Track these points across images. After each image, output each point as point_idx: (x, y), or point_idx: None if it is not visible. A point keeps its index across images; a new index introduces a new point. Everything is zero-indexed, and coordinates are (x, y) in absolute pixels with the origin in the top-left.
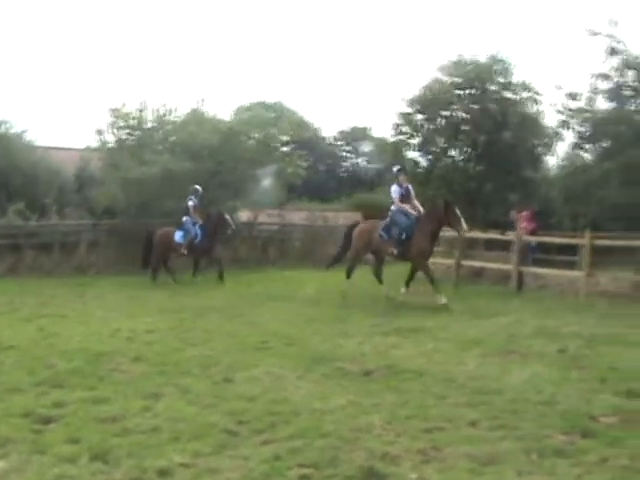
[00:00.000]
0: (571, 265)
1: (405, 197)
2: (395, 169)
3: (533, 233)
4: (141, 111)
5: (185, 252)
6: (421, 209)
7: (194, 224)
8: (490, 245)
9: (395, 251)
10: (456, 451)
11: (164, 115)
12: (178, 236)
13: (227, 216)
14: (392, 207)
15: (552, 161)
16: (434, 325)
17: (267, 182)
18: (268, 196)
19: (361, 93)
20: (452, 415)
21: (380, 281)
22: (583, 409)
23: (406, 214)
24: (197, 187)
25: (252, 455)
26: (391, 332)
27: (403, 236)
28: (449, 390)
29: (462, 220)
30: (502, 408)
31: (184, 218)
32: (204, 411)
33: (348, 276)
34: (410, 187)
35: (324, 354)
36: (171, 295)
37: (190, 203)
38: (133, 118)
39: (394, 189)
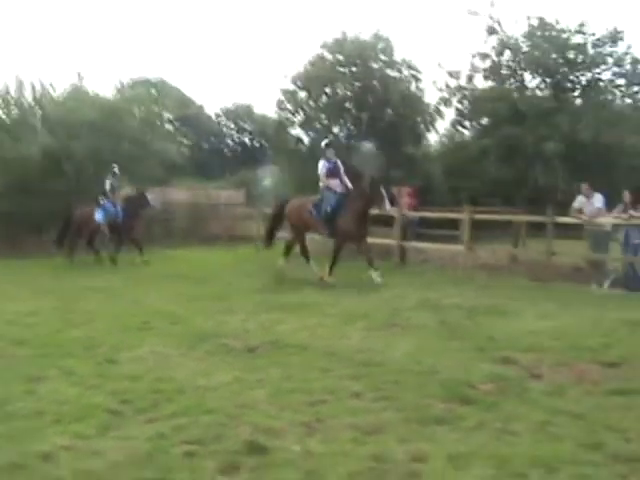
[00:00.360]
0: (452, 239)
1: (333, 173)
2: (323, 143)
3: (415, 209)
4: (19, 89)
5: (107, 231)
6: (350, 185)
7: (114, 205)
8: (373, 221)
9: (325, 231)
10: (339, 422)
11: (42, 92)
12: (98, 216)
13: (148, 195)
14: (320, 183)
15: (433, 138)
16: (318, 300)
17: (150, 160)
18: (151, 175)
19: (245, 70)
20: (335, 388)
21: (286, 254)
22: (462, 378)
23: (333, 191)
24: (115, 168)
25: (136, 434)
26: (276, 308)
27: (330, 213)
28: (333, 363)
29: (386, 199)
30: (384, 379)
31: (102, 200)
32: (88, 392)
33: (286, 253)
34: (339, 162)
35: (208, 331)
36: (53, 277)
37: (108, 184)
38: (10, 96)
39: (321, 164)
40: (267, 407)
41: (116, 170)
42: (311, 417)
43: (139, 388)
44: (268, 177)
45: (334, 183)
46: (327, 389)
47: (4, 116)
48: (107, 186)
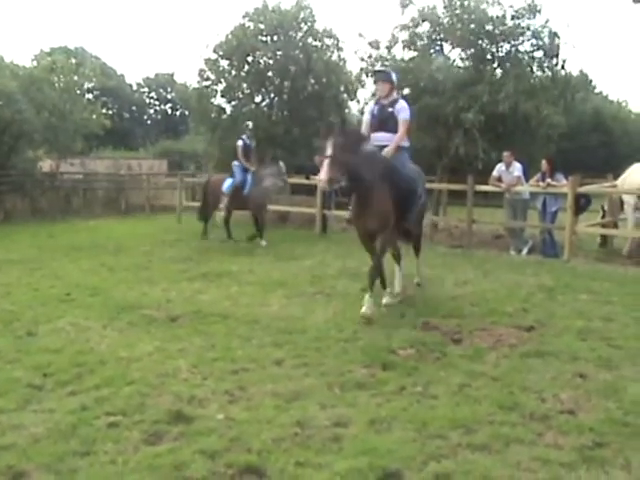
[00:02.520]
0: None
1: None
2: (245, 125)
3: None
4: None
5: (225, 203)
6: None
7: (244, 170)
8: (295, 189)
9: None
10: (262, 390)
11: None
12: (226, 185)
13: (282, 164)
14: (234, 162)
15: (355, 107)
16: (239, 269)
17: (70, 131)
18: (71, 145)
19: (167, 39)
20: (257, 355)
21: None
22: (383, 344)
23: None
24: (249, 124)
25: (58, 407)
26: (197, 277)
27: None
28: (254, 332)
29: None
30: (306, 346)
31: (233, 162)
32: (7, 366)
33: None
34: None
35: (129, 302)
36: None
37: (239, 143)
38: None
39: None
40: (190, 376)
41: (250, 126)
42: (233, 385)
43: (60, 361)
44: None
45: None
46: (249, 357)
47: None
48: (239, 148)
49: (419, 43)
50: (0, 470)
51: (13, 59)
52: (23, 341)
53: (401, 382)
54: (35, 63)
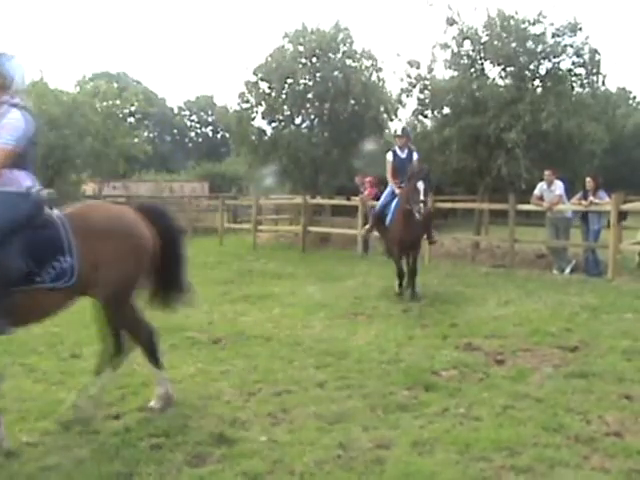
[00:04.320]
0: None
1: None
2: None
3: (376, 198)
4: None
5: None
6: None
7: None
8: (337, 211)
9: None
10: (304, 412)
11: None
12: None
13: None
14: None
15: (395, 127)
16: (281, 291)
17: (113, 154)
18: (114, 169)
19: (207, 62)
20: (300, 378)
21: None
22: (425, 365)
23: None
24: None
25: (102, 429)
26: (239, 300)
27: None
28: (296, 354)
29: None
30: (348, 368)
31: None
32: (52, 388)
33: None
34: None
35: (172, 325)
36: None
37: (389, 157)
38: None
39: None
40: (232, 398)
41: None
42: (276, 407)
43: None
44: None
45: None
46: (291, 379)
47: None
48: (388, 164)
49: (460, 62)
50: None
51: (57, 85)
52: (67, 363)
53: (444, 404)
54: (78, 89)
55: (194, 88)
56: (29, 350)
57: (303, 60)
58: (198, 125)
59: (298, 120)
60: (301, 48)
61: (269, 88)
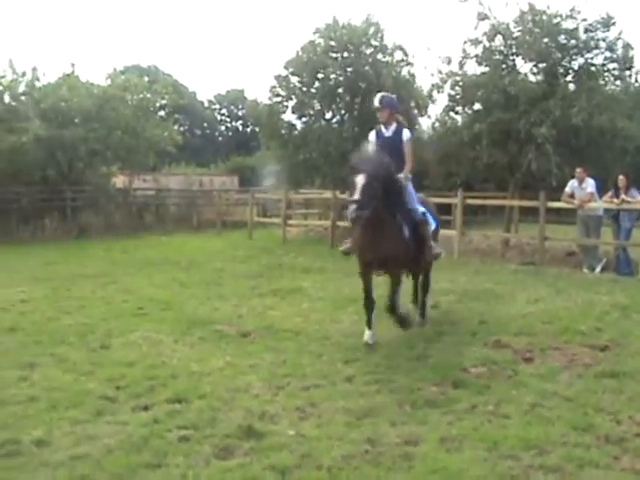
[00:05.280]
0: (445, 224)
1: None
2: None
3: None
4: (13, 77)
5: None
6: None
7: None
8: None
9: None
10: (332, 406)
11: (34, 80)
12: None
13: None
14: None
15: (426, 123)
16: (310, 285)
17: (143, 147)
18: (143, 161)
19: (237, 56)
20: (328, 372)
21: None
22: (454, 361)
23: None
24: None
25: (130, 420)
26: (268, 294)
27: None
28: (325, 348)
29: None
30: (377, 363)
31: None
32: (81, 378)
33: None
34: None
35: (201, 317)
36: (45, 264)
37: None
38: (3, 83)
39: None
40: (261, 392)
41: None
42: (304, 402)
43: (133, 374)
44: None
45: None
46: (320, 373)
47: None
48: None
49: (492, 58)
50: (75, 479)
51: (88, 78)
52: (97, 354)
53: (472, 400)
54: (109, 82)
55: (224, 82)
56: (59, 340)
57: (334, 54)
58: (228, 119)
59: (328, 115)
60: (332, 42)
61: (300, 82)
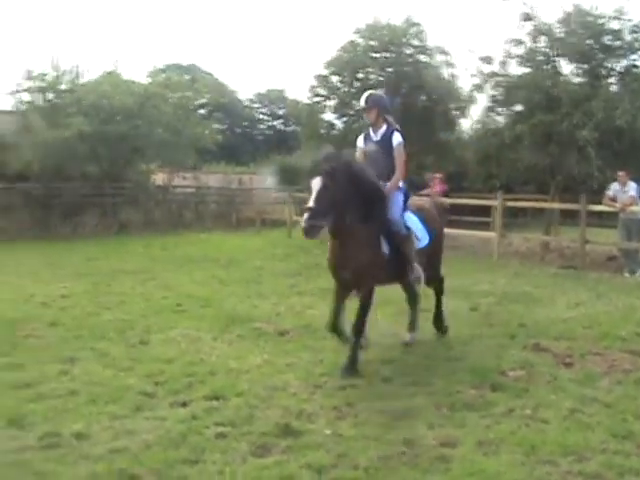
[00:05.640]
0: (484, 226)
1: None
2: None
3: (445, 194)
4: (57, 74)
5: None
6: None
7: None
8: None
9: None
10: (370, 407)
11: (77, 77)
12: None
13: None
14: None
15: (466, 124)
16: None
17: (183, 145)
18: (183, 159)
19: (278, 55)
20: (366, 372)
21: None
22: (492, 364)
23: None
24: None
25: (169, 416)
26: (306, 292)
27: None
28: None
29: None
30: (415, 365)
31: None
32: (121, 374)
33: None
34: None
35: (240, 315)
36: (85, 260)
37: None
38: (46, 80)
39: None
40: (298, 390)
41: None
42: (341, 401)
43: (171, 370)
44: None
45: None
46: (357, 373)
47: (41, 101)
48: None
49: (535, 58)
50: (113, 472)
51: (129, 76)
52: (136, 349)
53: (510, 404)
54: (150, 80)
55: (265, 81)
56: (99, 335)
57: (374, 54)
58: (270, 118)
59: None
60: (373, 42)
61: (340, 82)
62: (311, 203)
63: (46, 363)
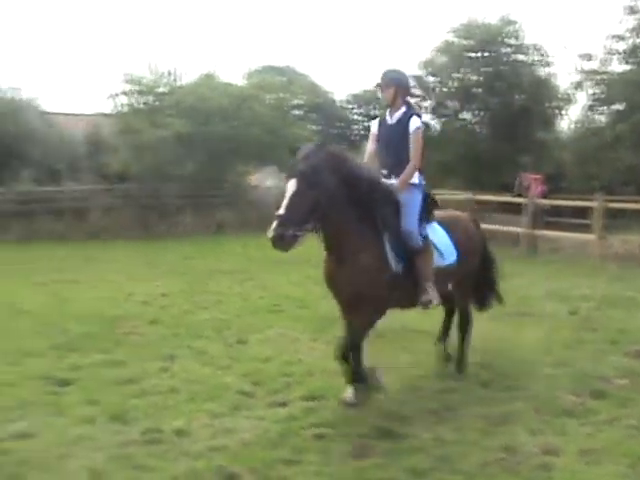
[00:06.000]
0: (583, 228)
1: None
2: None
3: (544, 196)
4: (154, 76)
5: None
6: None
7: None
8: (500, 207)
9: None
10: (468, 411)
11: (175, 79)
12: None
13: None
14: None
15: (565, 123)
16: None
17: (280, 146)
18: (281, 160)
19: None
20: (464, 376)
21: None
22: (593, 371)
23: None
24: None
25: (267, 415)
26: None
27: None
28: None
29: None
30: (513, 369)
31: None
32: (219, 372)
33: None
34: None
35: (336, 316)
36: (182, 259)
37: None
38: (145, 83)
39: None
40: (396, 393)
41: None
42: (440, 405)
43: (269, 370)
44: None
45: None
46: (456, 377)
47: (140, 103)
48: None
49: (638, 55)
50: (212, 470)
51: (226, 78)
52: (234, 349)
53: (613, 413)
54: (246, 81)
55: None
56: (197, 334)
57: (470, 54)
58: (365, 119)
59: (464, 115)
60: (468, 42)
61: (436, 83)
62: (281, 210)
63: (147, 360)
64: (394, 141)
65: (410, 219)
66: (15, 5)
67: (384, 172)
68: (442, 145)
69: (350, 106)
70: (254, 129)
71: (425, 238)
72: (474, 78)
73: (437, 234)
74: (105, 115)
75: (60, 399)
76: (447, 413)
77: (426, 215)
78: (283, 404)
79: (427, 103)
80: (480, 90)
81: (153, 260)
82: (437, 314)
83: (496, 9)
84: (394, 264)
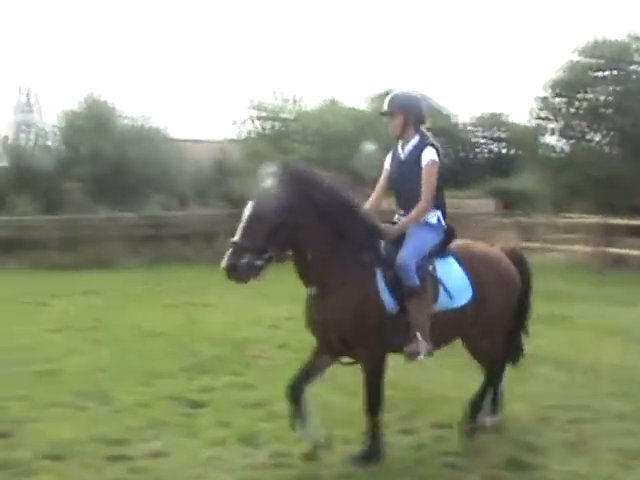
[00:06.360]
0: None
1: None
2: None
3: None
4: (279, 102)
5: None
6: None
7: None
8: (633, 231)
9: None
10: (603, 444)
11: (300, 105)
12: None
13: None
14: None
15: None
16: (574, 313)
17: None
18: None
19: (494, 78)
20: (597, 407)
21: None
22: None
23: None
24: None
25: (395, 443)
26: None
27: None
28: (592, 380)
29: None
30: None
31: None
32: (349, 399)
33: None
34: None
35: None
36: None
37: None
38: (270, 109)
39: None
40: (526, 422)
41: None
42: (572, 436)
43: (396, 396)
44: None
45: None
46: (588, 407)
47: (265, 129)
48: None
49: None
50: None
51: (349, 103)
52: (362, 374)
53: None
54: (369, 105)
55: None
56: None
57: (597, 73)
58: (490, 142)
59: (592, 136)
60: (595, 60)
61: (563, 103)
62: (235, 237)
63: (275, 383)
64: (408, 179)
65: (407, 253)
66: (144, 36)
67: (400, 213)
68: (570, 167)
69: (473, 129)
70: (378, 153)
71: (424, 279)
72: (602, 97)
73: (450, 270)
74: (231, 141)
75: (192, 420)
76: (579, 445)
77: (438, 250)
78: (411, 431)
79: (553, 125)
80: (609, 110)
81: (281, 284)
82: (566, 344)
83: (623, 26)
84: (387, 299)
